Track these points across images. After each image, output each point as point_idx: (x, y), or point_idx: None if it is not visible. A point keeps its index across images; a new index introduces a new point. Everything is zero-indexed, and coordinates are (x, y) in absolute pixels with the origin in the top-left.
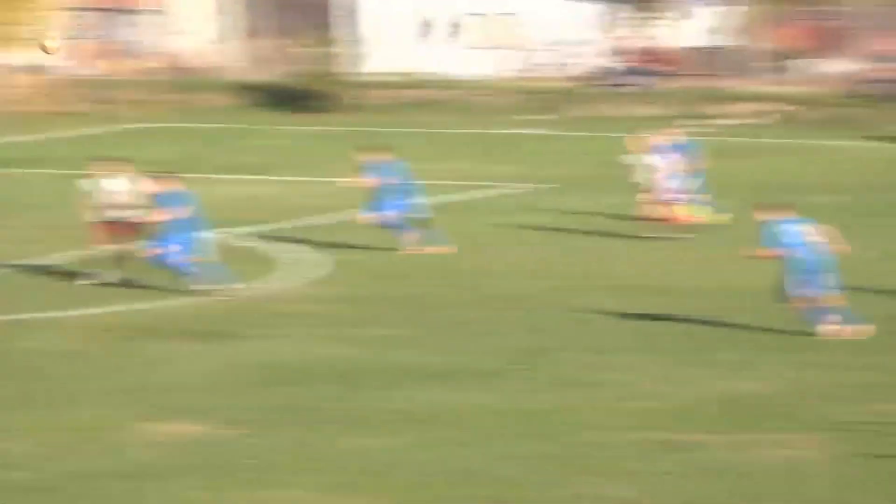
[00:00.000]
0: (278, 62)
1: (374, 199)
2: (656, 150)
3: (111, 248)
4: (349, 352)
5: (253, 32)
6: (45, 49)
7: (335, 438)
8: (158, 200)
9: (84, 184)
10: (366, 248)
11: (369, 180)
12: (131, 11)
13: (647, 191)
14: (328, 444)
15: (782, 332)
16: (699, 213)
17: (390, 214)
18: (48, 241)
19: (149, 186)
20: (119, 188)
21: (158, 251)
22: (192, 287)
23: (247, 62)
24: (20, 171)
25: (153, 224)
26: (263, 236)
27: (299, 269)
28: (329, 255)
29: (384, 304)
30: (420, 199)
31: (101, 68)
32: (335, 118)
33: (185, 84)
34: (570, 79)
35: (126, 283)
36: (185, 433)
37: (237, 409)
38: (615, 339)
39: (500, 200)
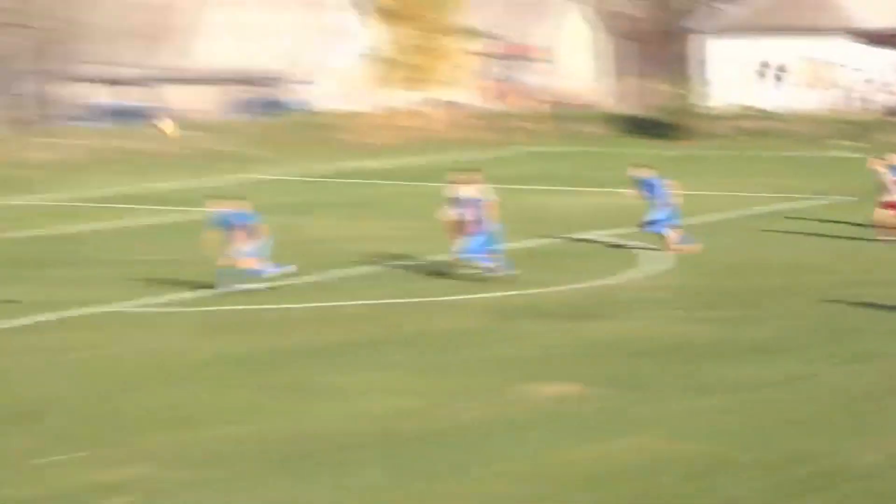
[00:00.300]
0: (641, 98)
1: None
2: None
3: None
4: (691, 329)
5: (621, 74)
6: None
7: (674, 399)
8: (470, 203)
9: (447, 190)
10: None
11: (642, 193)
12: (526, 58)
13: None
14: (667, 404)
15: None
16: None
17: (660, 219)
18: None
19: (469, 192)
20: (468, 195)
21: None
22: (493, 275)
23: (616, 98)
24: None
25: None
26: (622, 236)
27: (648, 264)
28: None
29: (721, 292)
30: (676, 207)
31: (501, 104)
32: (687, 144)
33: (567, 116)
34: (878, 111)
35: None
36: (552, 393)
37: (596, 374)
38: None
39: (815, 210)
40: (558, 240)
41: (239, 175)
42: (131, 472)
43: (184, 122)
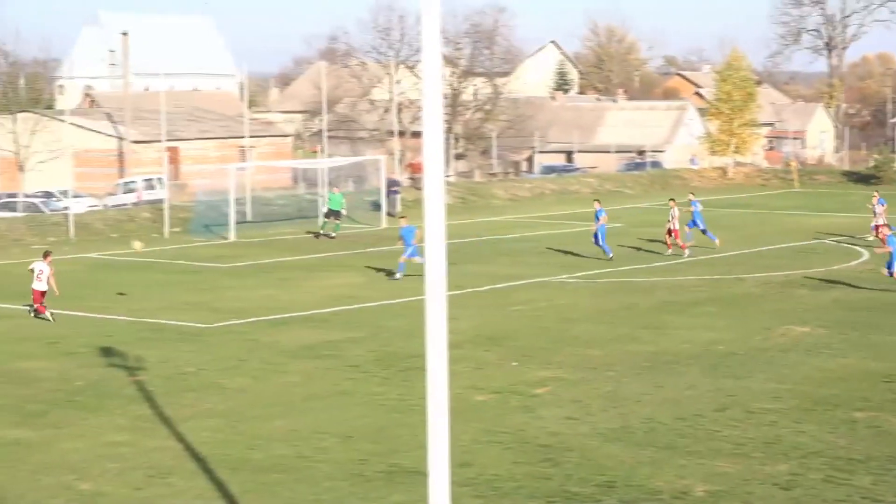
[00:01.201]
0: (860, 162)
1: None
2: None
3: None
4: None
5: (850, 148)
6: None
7: (877, 335)
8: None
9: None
10: None
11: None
12: (791, 137)
13: None
14: (872, 339)
15: None
16: None
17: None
18: (745, 240)
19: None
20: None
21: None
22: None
23: (845, 162)
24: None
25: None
26: (850, 240)
27: (872, 257)
28: None
29: None
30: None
31: (776, 165)
32: (887, 187)
33: (813, 172)
34: None
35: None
36: (801, 331)
37: (829, 321)
38: None
39: None
40: (812, 242)
41: (622, 205)
42: (549, 373)
43: (590, 174)
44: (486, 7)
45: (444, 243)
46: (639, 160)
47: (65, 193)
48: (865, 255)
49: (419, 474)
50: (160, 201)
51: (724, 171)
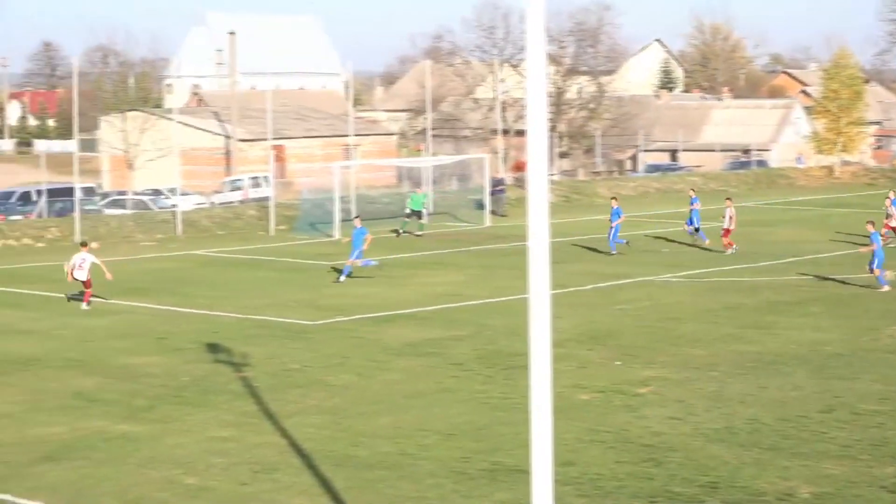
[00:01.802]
0: None
1: None
2: None
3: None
4: None
5: None
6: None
7: None
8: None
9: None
10: None
11: None
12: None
13: None
14: None
15: None
16: None
17: None
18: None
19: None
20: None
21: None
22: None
23: None
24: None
25: None
26: None
27: None
28: None
29: None
30: None
31: (882, 164)
32: None
33: None
34: None
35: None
36: None
37: None
38: None
39: None
40: None
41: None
42: (652, 373)
43: (694, 173)
44: (590, 5)
45: (547, 242)
46: (744, 159)
47: (173, 191)
48: None
49: (521, 472)
50: (266, 199)
51: (830, 170)
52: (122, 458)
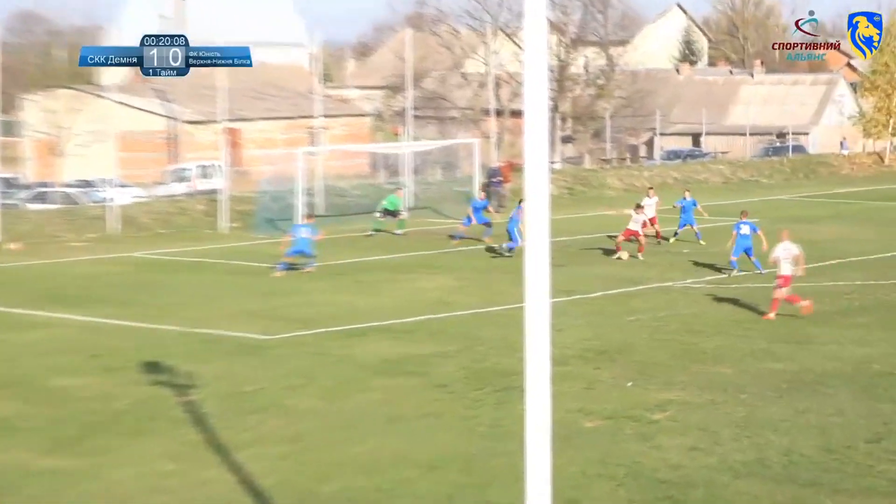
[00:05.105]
0: None
1: None
2: None
3: None
4: None
5: None
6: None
7: None
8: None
9: None
10: None
11: None
12: None
13: None
14: None
15: None
16: None
17: None
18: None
19: None
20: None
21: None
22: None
23: None
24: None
25: None
26: None
27: None
28: None
29: None
30: None
31: None
32: None
33: None
34: None
35: None
36: None
37: None
38: None
39: None
40: None
41: (758, 197)
42: (671, 395)
43: (720, 160)
44: None
45: (547, 242)
46: (778, 144)
47: (107, 182)
48: None
49: None
50: (217, 191)
51: (880, 156)
52: (45, 499)
